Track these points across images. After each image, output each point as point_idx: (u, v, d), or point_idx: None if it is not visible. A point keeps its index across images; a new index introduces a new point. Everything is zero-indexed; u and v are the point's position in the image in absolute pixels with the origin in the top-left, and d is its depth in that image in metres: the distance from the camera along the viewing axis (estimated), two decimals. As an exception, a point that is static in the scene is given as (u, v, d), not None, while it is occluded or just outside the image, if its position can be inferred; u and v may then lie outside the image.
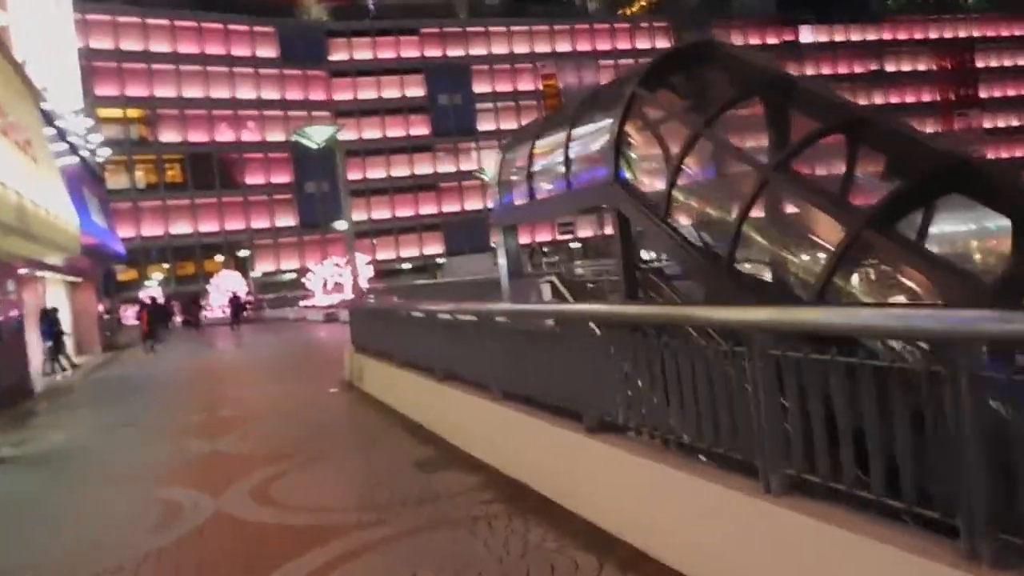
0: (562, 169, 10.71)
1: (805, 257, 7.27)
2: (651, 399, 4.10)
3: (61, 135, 23.51)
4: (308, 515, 5.58)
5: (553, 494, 5.04)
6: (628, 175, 9.33)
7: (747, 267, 7.38)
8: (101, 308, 36.38)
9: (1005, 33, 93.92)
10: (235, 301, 35.68)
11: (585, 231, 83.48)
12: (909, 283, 6.66)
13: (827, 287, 6.07)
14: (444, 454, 6.93)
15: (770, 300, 6.95)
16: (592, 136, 10.20)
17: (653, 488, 3.98)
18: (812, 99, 7.61)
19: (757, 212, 7.26)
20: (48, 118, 21.80)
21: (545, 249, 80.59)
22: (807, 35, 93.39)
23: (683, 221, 8.58)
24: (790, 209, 7.42)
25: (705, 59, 9.17)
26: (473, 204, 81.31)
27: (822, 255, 7.07)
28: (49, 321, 21.76)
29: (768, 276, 7.52)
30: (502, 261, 13.08)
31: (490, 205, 67.52)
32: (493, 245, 78.73)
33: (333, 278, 36.74)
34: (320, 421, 9.61)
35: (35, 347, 23.31)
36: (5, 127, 13.95)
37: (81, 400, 15.83)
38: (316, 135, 13.00)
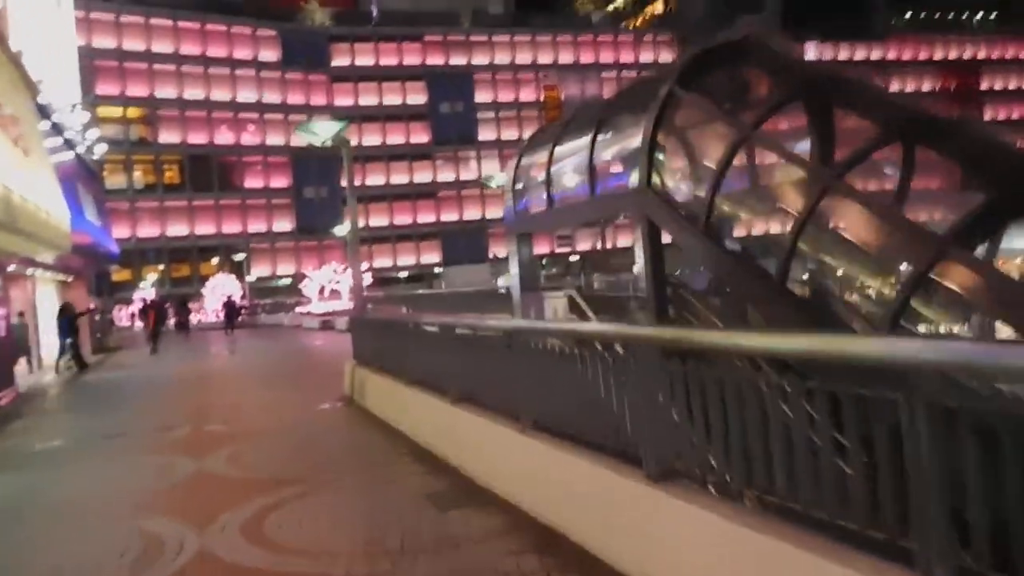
0: (585, 174, 10.01)
1: (872, 275, 6.57)
2: (750, 450, 3.33)
3: (57, 130, 22.74)
4: (309, 561, 4.80)
5: (598, 547, 4.28)
6: (660, 181, 8.62)
7: (803, 285, 6.65)
8: (92, 307, 35.55)
9: (1011, 55, 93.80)
10: (230, 305, 34.89)
11: (583, 244, 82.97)
12: (976, 304, 5.96)
13: (903, 311, 5.35)
14: (459, 487, 6.17)
15: (831, 322, 6.23)
16: (620, 139, 9.50)
17: (746, 565, 3.22)
18: (875, 99, 6.91)
19: (814, 225, 6.54)
20: (44, 112, 21.07)
21: (543, 262, 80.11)
22: (811, 52, 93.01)
23: (726, 232, 7.91)
24: (851, 221, 6.71)
25: (745, 57, 8.47)
26: (472, 214, 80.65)
27: (890, 274, 6.38)
28: (68, 318, 21.55)
29: (826, 295, 6.81)
30: (514, 271, 12.35)
31: (497, 214, 66.88)
32: (491, 256, 78.60)
33: (330, 285, 35.86)
34: (320, 441, 8.82)
35: (41, 344, 22.62)
36: (-7, 117, 13.23)
37: (64, 405, 15.04)
38: (321, 131, 12.22)
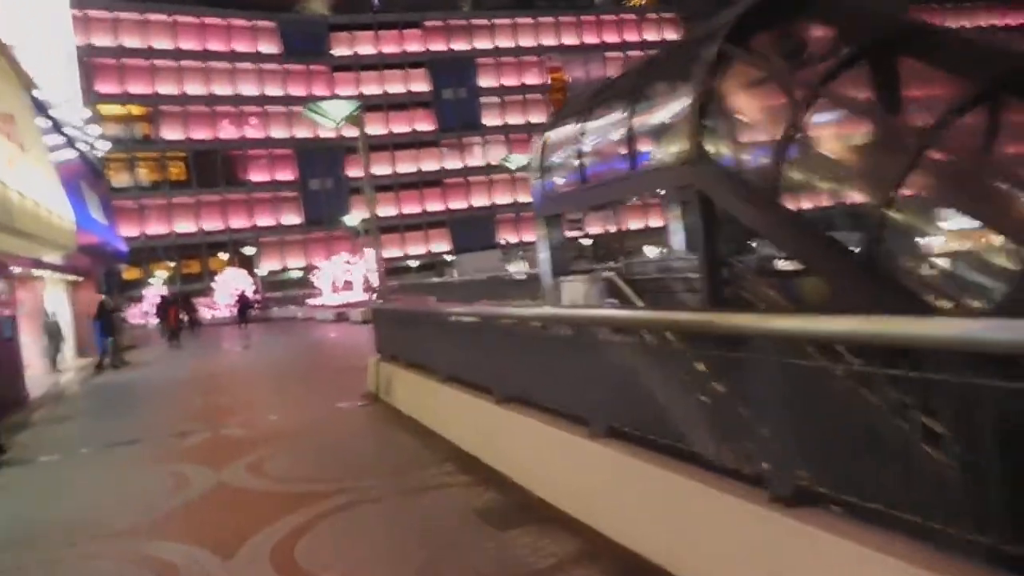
0: (624, 147, 9.22)
1: (981, 250, 5.78)
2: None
3: (56, 127, 22.06)
4: (354, 601, 4.09)
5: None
6: (714, 149, 7.82)
7: (898, 263, 5.83)
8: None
9: None
10: (243, 300, 34.16)
11: (593, 228, 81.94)
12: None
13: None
14: (514, 501, 5.43)
15: (925, 307, 5.43)
16: (663, 106, 8.68)
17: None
18: (972, 52, 6.08)
19: (905, 192, 5.71)
20: (42, 108, 20.37)
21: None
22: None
23: (796, 204, 7.13)
24: (947, 188, 5.89)
25: (805, 6, 7.64)
26: (480, 200, 79.84)
27: (998, 248, 5.59)
28: (107, 315, 21.53)
29: (923, 275, 6.02)
30: (544, 256, 11.57)
31: (505, 200, 65.92)
32: (501, 242, 77.78)
33: (342, 276, 35.14)
34: (347, 446, 8.11)
35: (34, 350, 22.01)
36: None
37: (76, 410, 14.36)
38: (332, 111, 11.40)
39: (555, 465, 5.11)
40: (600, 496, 4.52)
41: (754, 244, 9.11)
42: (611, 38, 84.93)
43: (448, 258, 72.61)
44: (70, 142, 23.27)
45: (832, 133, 6.91)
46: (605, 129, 10.15)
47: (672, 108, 8.37)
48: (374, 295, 30.95)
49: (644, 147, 9.02)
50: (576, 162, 10.75)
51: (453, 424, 7.40)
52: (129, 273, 59.25)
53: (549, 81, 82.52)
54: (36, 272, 21.91)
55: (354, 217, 31.58)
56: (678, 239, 11.86)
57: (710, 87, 7.65)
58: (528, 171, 11.93)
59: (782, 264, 7.79)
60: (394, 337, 10.01)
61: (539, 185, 11.62)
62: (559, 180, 11.40)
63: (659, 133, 8.72)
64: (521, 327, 6.00)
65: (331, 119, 11.62)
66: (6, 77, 15.88)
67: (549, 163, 11.49)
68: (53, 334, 22.99)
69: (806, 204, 7.56)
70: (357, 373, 12.69)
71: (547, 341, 5.43)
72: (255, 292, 51.33)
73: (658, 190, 10.55)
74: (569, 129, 10.95)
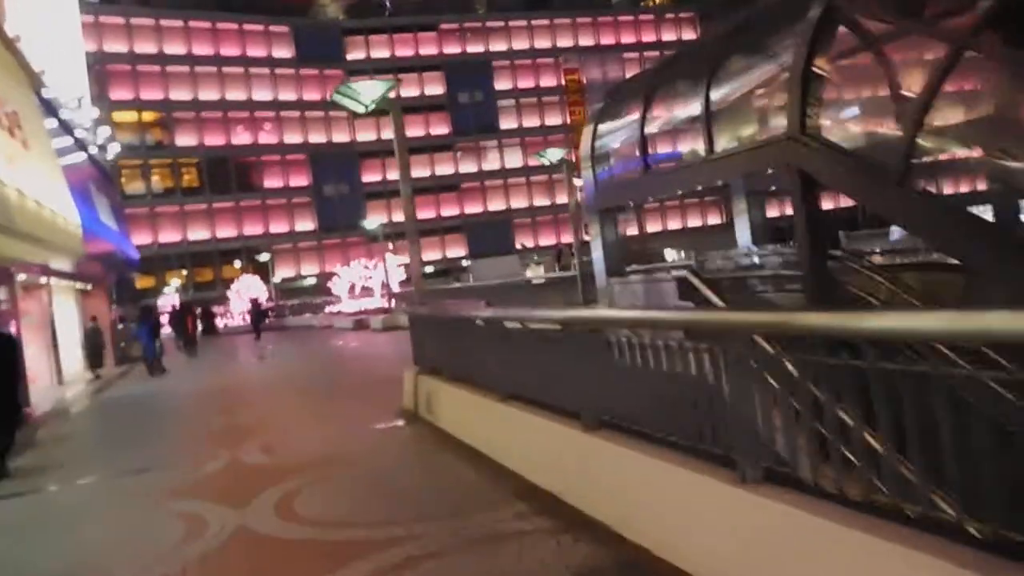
0: (699, 126, 8.03)
1: None
2: None
3: (65, 129, 21.11)
4: None
5: None
6: (819, 123, 6.62)
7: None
8: (114, 315, 34.08)
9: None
10: (256, 307, 32.90)
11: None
12: None
13: None
14: (621, 558, 4.24)
15: None
16: (751, 78, 7.52)
17: None
18: None
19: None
20: (50, 109, 19.41)
21: (572, 251, 77.87)
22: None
23: (938, 183, 5.96)
24: None
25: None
26: (496, 205, 78.72)
27: None
28: (156, 319, 21.53)
29: None
30: (597, 254, 10.38)
31: (521, 204, 64.74)
32: (518, 247, 76.57)
33: (361, 282, 33.99)
34: (392, 478, 6.91)
35: (41, 362, 21.04)
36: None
37: (83, 429, 13.33)
38: (364, 93, 10.35)
39: (691, 516, 3.90)
40: (765, 558, 3.32)
41: (843, 236, 7.92)
42: (628, 38, 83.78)
43: (464, 263, 71.38)
44: (79, 144, 22.29)
45: (981, 96, 5.70)
46: (673, 108, 8.99)
47: (763, 80, 7.19)
48: (394, 301, 29.80)
49: (725, 126, 7.82)
50: (636, 148, 9.59)
51: (519, 452, 6.20)
52: (142, 281, 58.55)
53: (564, 83, 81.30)
54: (42, 279, 20.97)
55: (373, 221, 30.42)
56: (743, 236, 10.71)
57: (814, 52, 6.46)
58: (580, 162, 10.72)
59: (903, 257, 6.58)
60: (437, 347, 8.82)
61: (590, 176, 10.44)
62: (615, 170, 10.22)
63: (746, 109, 7.53)
64: (618, 334, 4.78)
65: (362, 103, 10.49)
66: (10, 72, 14.90)
67: (603, 150, 10.31)
68: (94, 341, 23.70)
69: (954, 183, 6.37)
70: (387, 387, 11.53)
71: (667, 353, 4.22)
72: (268, 299, 50.32)
73: (730, 178, 9.34)
74: (626, 111, 9.79)
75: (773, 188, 11.81)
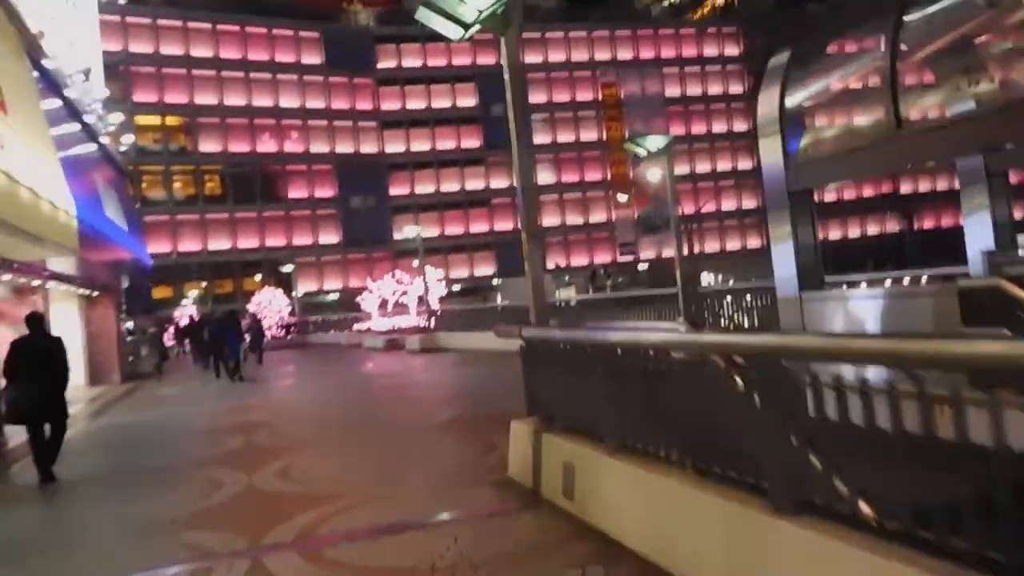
0: (980, 70, 4.83)
1: None
2: None
3: (71, 111, 18.22)
4: None
5: None
6: None
7: None
8: (129, 326, 31.19)
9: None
10: (256, 326, 25.80)
11: (647, 251, 77.28)
12: None
13: None
14: None
15: None
16: None
17: None
18: None
19: None
20: (51, 83, 16.55)
21: (607, 271, 74.44)
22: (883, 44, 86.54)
23: None
24: None
25: None
26: (527, 221, 75.65)
27: None
28: (237, 323, 21.65)
29: None
30: (785, 259, 7.16)
31: (554, 222, 61.94)
32: (550, 266, 73.45)
33: (394, 297, 30.79)
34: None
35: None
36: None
37: (66, 472, 10.20)
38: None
39: None
40: None
41: None
42: (668, 53, 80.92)
43: (494, 282, 68.24)
44: (87, 131, 19.39)
45: None
46: (939, 37, 5.82)
47: None
48: (432, 319, 26.59)
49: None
50: (865, 101, 6.42)
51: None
52: (159, 291, 55.93)
53: (601, 97, 78.55)
54: (36, 282, 18.05)
55: (411, 230, 27.34)
56: (981, 236, 7.47)
57: None
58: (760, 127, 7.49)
59: None
60: (585, 393, 5.51)
61: (778, 147, 7.24)
62: (823, 135, 7.03)
63: None
64: None
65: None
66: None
67: (801, 107, 7.13)
68: (158, 346, 24.62)
69: None
70: (460, 437, 8.33)
71: None
72: (291, 314, 47.25)
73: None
74: (845, 49, 6.62)
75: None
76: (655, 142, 12.67)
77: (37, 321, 9.43)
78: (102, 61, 24.37)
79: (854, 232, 78.47)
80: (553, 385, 5.97)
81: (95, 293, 23.56)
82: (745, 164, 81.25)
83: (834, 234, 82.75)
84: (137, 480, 8.79)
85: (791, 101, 7.28)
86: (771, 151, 7.48)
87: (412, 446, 8.94)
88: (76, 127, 18.87)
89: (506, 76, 7.48)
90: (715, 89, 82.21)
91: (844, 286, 6.91)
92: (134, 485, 8.48)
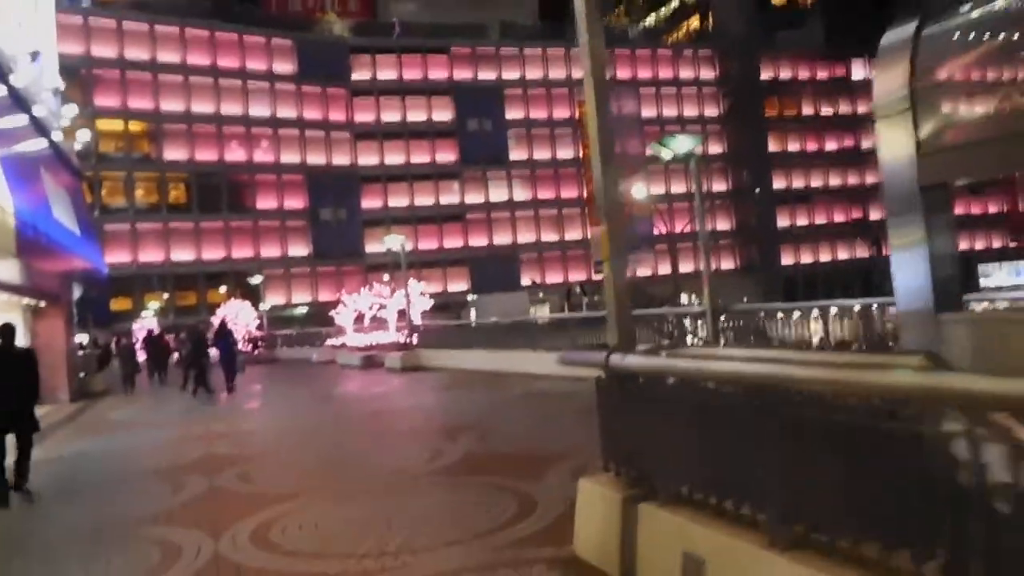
0: None
1: None
2: None
3: (15, 98, 16.26)
4: None
5: None
6: None
7: None
8: (83, 340, 28.92)
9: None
10: (196, 338, 21.53)
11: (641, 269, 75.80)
12: None
13: None
14: None
15: None
16: None
17: None
18: None
19: None
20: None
21: (584, 289, 72.92)
22: (859, 71, 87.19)
23: None
24: None
25: None
26: (502, 238, 74.20)
27: None
28: (229, 336, 21.61)
29: None
30: (919, 269, 5.59)
31: (529, 238, 60.31)
32: (524, 283, 71.83)
33: (371, 312, 28.87)
34: None
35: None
36: None
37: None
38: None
39: None
40: None
41: None
42: (645, 73, 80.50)
43: (469, 298, 66.42)
44: (29, 116, 17.36)
45: None
46: None
47: None
48: (413, 335, 24.74)
49: None
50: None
51: None
52: (117, 303, 53.16)
53: (578, 115, 77.52)
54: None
55: (393, 240, 25.53)
56: None
57: None
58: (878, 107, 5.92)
59: None
60: (725, 452, 3.66)
61: (904, 130, 5.70)
62: (970, 116, 5.50)
63: None
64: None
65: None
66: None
67: (936, 83, 5.60)
68: (128, 360, 25.05)
69: None
70: (469, 482, 6.63)
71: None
72: (259, 327, 44.96)
73: None
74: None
75: None
76: (684, 143, 11.10)
77: (9, 333, 8.89)
78: (57, 55, 22.44)
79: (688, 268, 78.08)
80: (661, 435, 4.24)
81: (42, 303, 21.37)
82: (720, 186, 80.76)
83: (806, 259, 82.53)
84: (55, 548, 6.90)
85: (922, 77, 5.69)
86: (895, 137, 5.86)
87: (419, 496, 7.17)
88: (22, 119, 16.92)
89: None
90: (691, 111, 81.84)
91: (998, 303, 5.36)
92: (50, 558, 6.60)
